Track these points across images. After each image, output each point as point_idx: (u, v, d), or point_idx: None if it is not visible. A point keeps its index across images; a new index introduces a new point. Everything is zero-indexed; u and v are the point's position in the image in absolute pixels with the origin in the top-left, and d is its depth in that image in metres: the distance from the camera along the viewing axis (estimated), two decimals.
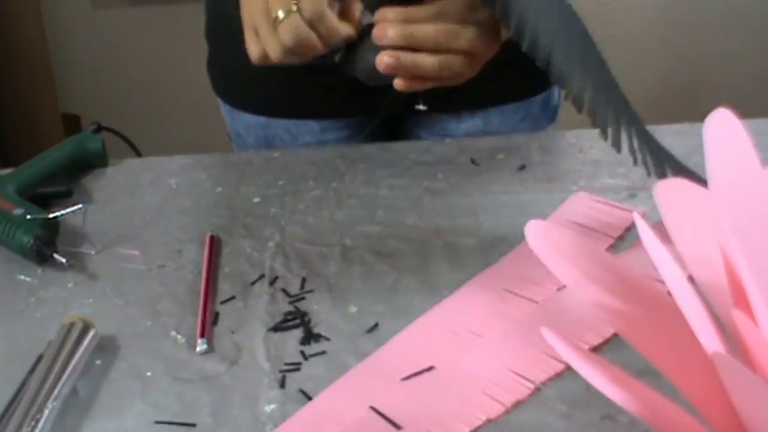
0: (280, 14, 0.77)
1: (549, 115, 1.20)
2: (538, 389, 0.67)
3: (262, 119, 1.16)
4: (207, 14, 1.19)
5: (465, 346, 0.72)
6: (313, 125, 1.15)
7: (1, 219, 0.88)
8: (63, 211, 0.90)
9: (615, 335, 0.70)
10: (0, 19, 2.38)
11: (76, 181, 1.01)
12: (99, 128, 1.05)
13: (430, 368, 0.70)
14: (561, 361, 0.68)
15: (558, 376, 0.68)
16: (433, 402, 0.66)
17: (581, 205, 0.89)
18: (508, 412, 0.65)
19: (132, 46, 2.57)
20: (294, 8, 0.76)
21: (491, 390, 0.67)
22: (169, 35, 2.49)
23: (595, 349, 0.70)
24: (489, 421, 0.64)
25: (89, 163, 1.04)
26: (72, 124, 2.57)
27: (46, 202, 0.95)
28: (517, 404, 0.66)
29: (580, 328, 0.72)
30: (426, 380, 0.69)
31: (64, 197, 0.97)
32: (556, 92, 1.20)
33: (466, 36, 0.79)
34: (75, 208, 0.90)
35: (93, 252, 0.88)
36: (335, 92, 1.09)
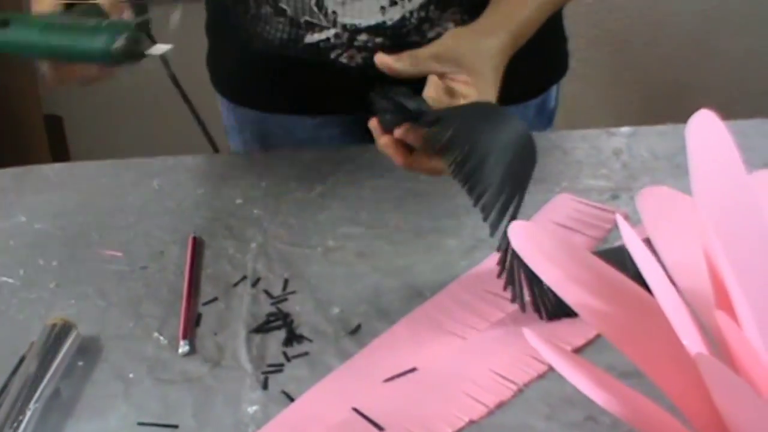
0: None
1: (544, 120, 1.18)
2: (520, 390, 0.67)
3: (258, 114, 1.16)
4: (207, 9, 1.19)
5: (447, 347, 0.72)
6: (307, 121, 1.15)
7: (73, 27, 0.81)
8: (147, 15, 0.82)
9: (598, 336, 0.70)
10: None
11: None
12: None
13: (413, 369, 0.70)
14: (543, 362, 0.68)
15: (540, 377, 0.68)
16: (415, 403, 0.66)
17: (564, 206, 0.89)
18: (490, 413, 0.65)
19: None
20: None
21: (474, 391, 0.67)
22: (155, 36, 2.48)
23: (578, 351, 0.70)
24: (471, 422, 0.64)
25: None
26: (54, 125, 2.56)
27: None
28: (500, 405, 0.66)
29: (562, 329, 0.72)
30: (408, 381, 0.69)
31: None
32: (553, 96, 1.19)
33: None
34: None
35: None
36: (331, 89, 1.09)
